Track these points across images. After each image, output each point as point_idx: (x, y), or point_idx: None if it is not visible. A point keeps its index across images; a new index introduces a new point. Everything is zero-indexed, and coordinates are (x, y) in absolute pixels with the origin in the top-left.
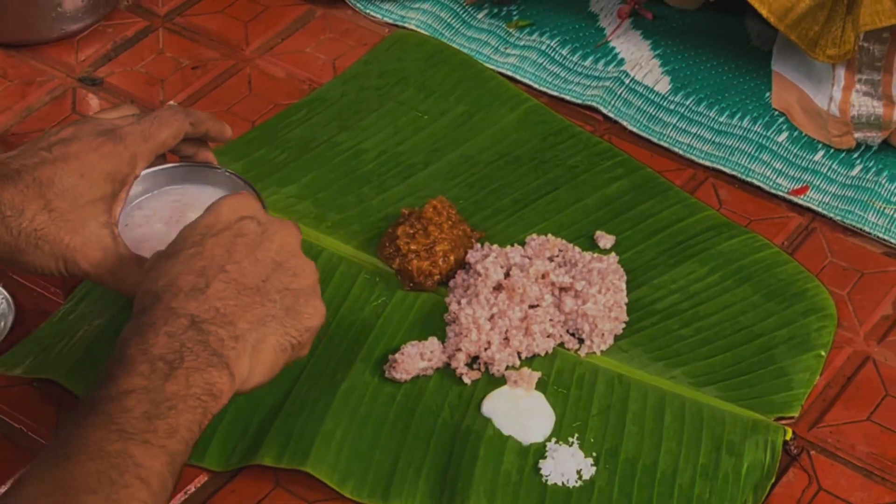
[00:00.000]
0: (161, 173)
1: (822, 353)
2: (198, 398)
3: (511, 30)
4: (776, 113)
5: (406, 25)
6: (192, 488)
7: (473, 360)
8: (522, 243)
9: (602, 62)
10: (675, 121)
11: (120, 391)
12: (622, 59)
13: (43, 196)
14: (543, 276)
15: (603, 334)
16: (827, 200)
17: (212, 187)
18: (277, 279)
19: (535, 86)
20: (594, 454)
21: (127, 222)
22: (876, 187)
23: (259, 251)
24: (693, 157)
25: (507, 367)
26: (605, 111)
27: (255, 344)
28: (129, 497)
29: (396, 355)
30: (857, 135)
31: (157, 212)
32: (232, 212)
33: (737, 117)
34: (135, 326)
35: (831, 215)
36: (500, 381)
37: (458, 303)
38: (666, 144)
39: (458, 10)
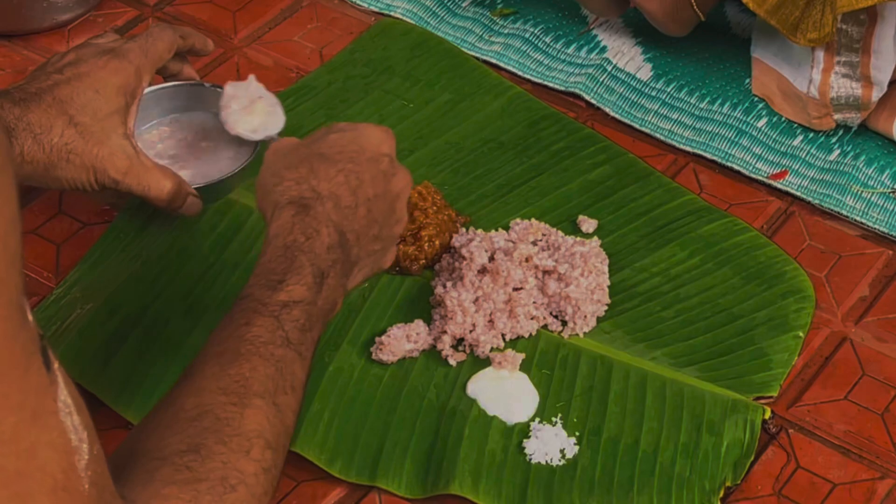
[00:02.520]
0: (161, 93)
1: (801, 334)
2: (326, 314)
3: (495, 18)
4: (756, 99)
5: (392, 14)
6: None
7: (459, 342)
8: (507, 228)
9: (585, 50)
10: (656, 107)
11: (291, 299)
12: (605, 47)
13: (66, 113)
14: (527, 260)
15: (585, 316)
16: (805, 185)
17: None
18: (389, 219)
19: (519, 73)
20: (577, 434)
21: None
22: (854, 171)
23: (388, 189)
24: (674, 143)
25: (492, 349)
26: (587, 98)
27: (362, 268)
28: (286, 405)
29: (383, 338)
30: (837, 116)
31: (170, 135)
32: (379, 143)
33: (717, 103)
34: (302, 224)
35: (810, 199)
36: (485, 362)
37: (444, 286)
38: (647, 130)
39: None
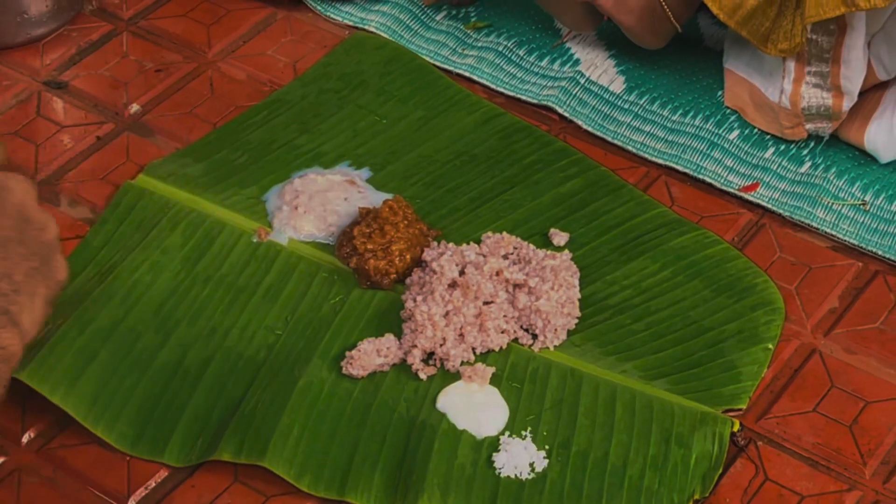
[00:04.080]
0: None
1: (770, 346)
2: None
3: (469, 31)
4: (728, 111)
5: (366, 28)
6: (152, 483)
7: (429, 356)
8: (478, 241)
9: (558, 62)
10: (628, 120)
11: None
12: (578, 60)
13: None
14: (498, 274)
15: (556, 329)
16: (776, 197)
17: None
18: (30, 233)
19: (493, 86)
20: (546, 447)
21: None
22: (824, 183)
23: (6, 205)
24: (646, 156)
25: (462, 363)
26: (560, 111)
27: (30, 297)
28: None
29: (353, 352)
30: (809, 126)
31: None
32: None
33: (689, 116)
34: None
35: (780, 211)
36: (456, 376)
37: (414, 300)
38: (620, 143)
39: (416, 11)
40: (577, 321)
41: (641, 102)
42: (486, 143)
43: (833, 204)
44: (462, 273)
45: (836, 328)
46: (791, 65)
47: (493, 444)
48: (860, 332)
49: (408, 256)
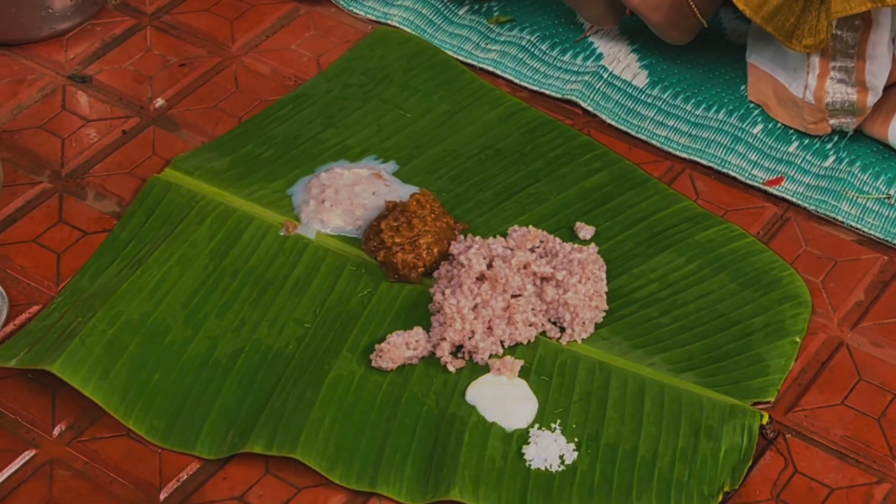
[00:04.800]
0: None
1: (797, 340)
2: None
3: (492, 25)
4: (751, 105)
5: (388, 22)
6: (183, 475)
7: (458, 349)
8: (504, 235)
9: (581, 57)
10: (652, 114)
11: None
12: (601, 54)
13: None
14: (525, 267)
15: (584, 323)
16: (801, 191)
17: None
18: None
19: (516, 80)
20: (576, 439)
21: None
22: (849, 177)
23: None
24: (670, 150)
25: (491, 356)
26: (584, 105)
27: None
28: None
29: (382, 345)
30: (832, 121)
31: None
32: None
33: (713, 110)
34: None
35: (805, 205)
36: (484, 369)
37: (443, 293)
38: (644, 137)
39: (439, 6)
40: (604, 314)
41: (665, 97)
42: (510, 138)
43: (858, 198)
44: (490, 266)
45: (862, 321)
46: (815, 60)
47: (523, 436)
48: (887, 326)
49: (435, 250)
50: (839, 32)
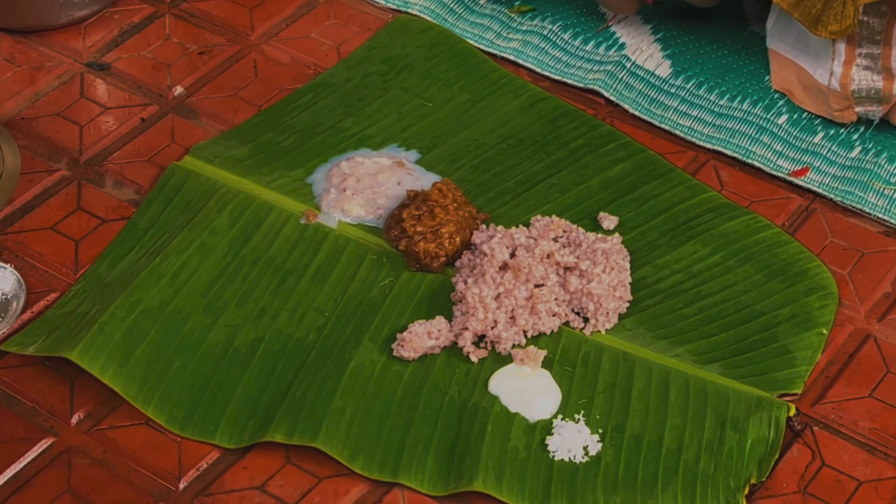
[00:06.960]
0: None
1: (824, 331)
2: None
3: (513, 15)
4: (776, 95)
5: (409, 11)
6: (203, 464)
7: (480, 339)
8: (527, 224)
9: (603, 46)
10: (675, 104)
11: None
12: (623, 44)
13: None
14: (548, 256)
15: (608, 313)
16: (827, 182)
17: None
18: None
19: (538, 70)
20: (600, 431)
21: None
22: (875, 168)
23: None
24: (694, 140)
25: (514, 346)
26: (606, 95)
27: None
28: None
29: (404, 334)
30: (858, 109)
31: None
32: None
33: (737, 100)
34: None
35: (831, 196)
36: (507, 359)
37: (465, 282)
38: (667, 127)
39: None
40: (628, 305)
41: (688, 87)
42: (532, 127)
43: (884, 189)
44: (513, 256)
45: (890, 313)
46: (841, 46)
47: (546, 427)
48: None
49: (457, 239)
50: (866, 19)
